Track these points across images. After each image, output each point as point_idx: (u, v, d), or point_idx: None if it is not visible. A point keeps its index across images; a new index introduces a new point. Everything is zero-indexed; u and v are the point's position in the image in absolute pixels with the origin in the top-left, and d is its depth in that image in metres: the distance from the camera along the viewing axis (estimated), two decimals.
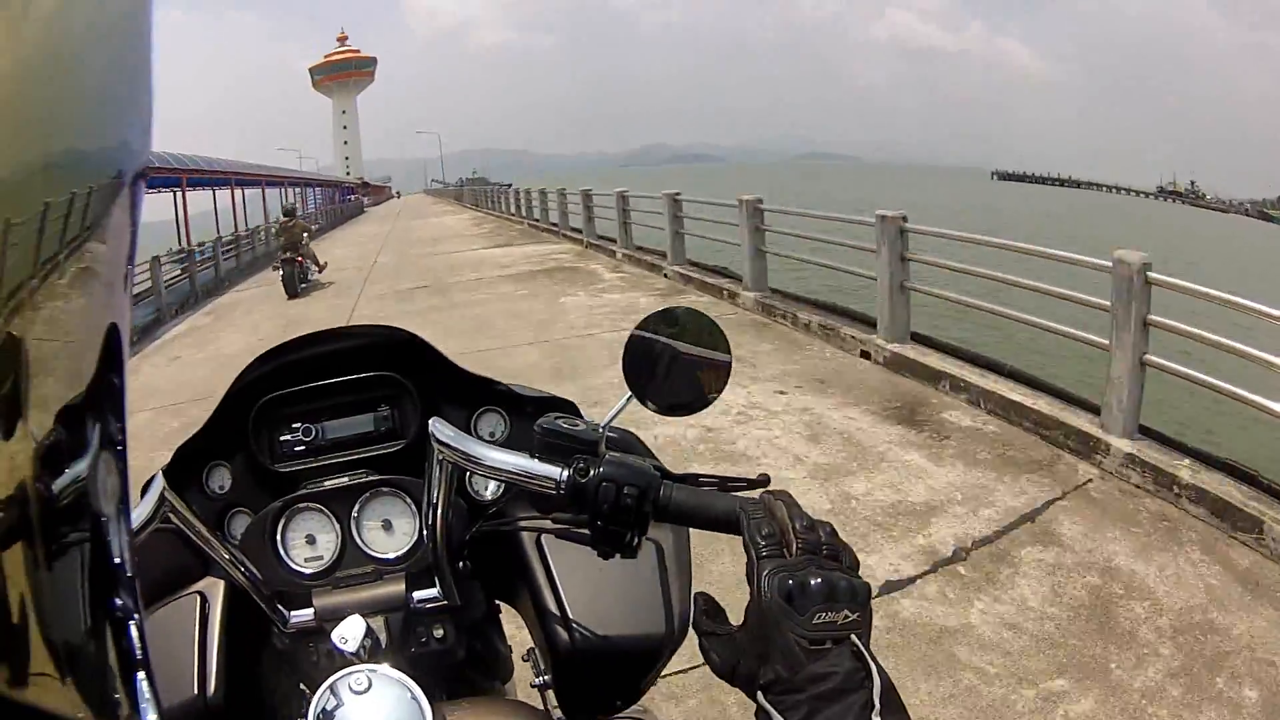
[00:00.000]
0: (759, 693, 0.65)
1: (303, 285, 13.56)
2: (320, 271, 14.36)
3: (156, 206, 25.16)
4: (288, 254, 13.42)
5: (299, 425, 1.13)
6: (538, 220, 20.84)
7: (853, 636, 0.63)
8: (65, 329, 0.42)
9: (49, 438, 0.39)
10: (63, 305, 0.41)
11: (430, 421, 0.93)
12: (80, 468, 0.42)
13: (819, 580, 0.64)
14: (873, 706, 0.60)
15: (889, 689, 0.61)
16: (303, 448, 1.14)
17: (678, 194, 10.91)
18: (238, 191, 30.26)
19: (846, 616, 0.64)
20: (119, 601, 0.44)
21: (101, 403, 0.44)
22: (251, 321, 11.70)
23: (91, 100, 0.43)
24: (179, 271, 15.97)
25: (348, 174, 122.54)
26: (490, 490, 1.13)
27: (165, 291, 14.12)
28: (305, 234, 14.22)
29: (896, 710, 0.60)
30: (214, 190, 28.81)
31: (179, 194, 23.82)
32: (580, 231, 15.72)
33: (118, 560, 0.45)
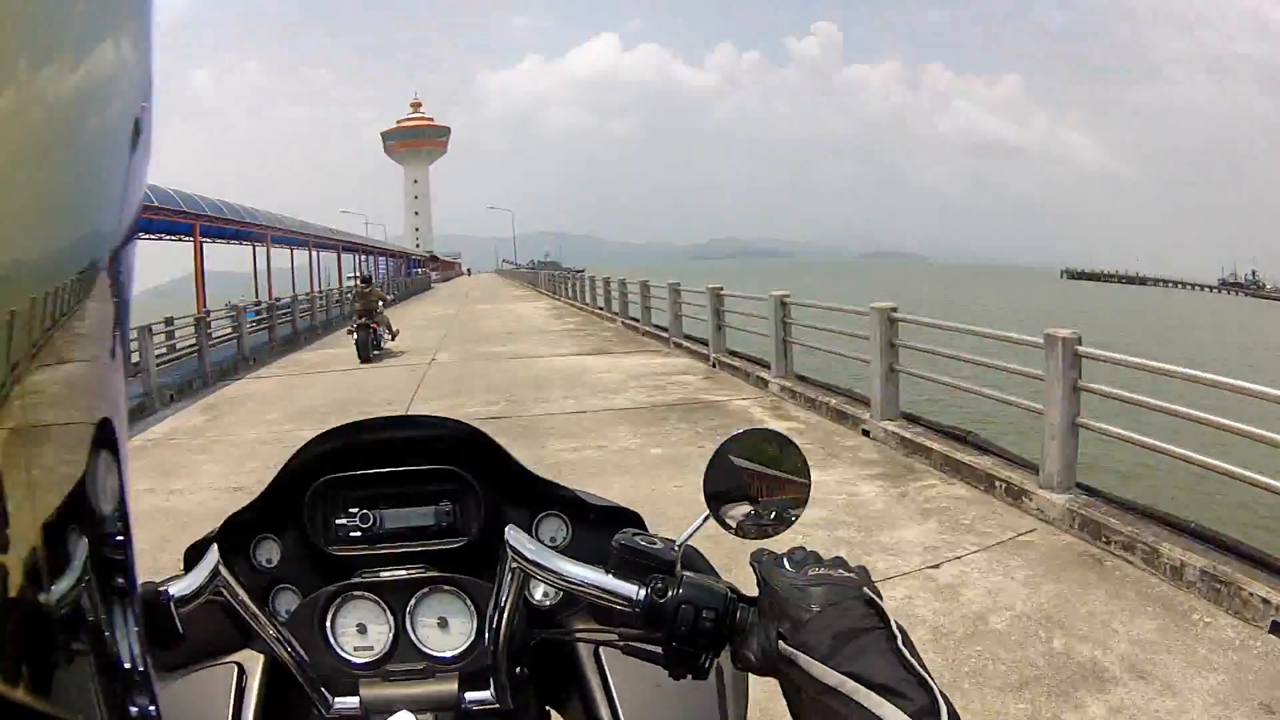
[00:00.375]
0: (779, 641, 0.69)
1: (375, 352, 14.04)
2: (392, 339, 14.96)
3: (236, 257, 28.92)
4: (363, 319, 14.00)
5: (356, 510, 1.12)
6: (635, 320, 16.68)
7: (864, 589, 0.70)
8: (50, 430, 0.42)
9: (41, 546, 0.40)
10: (45, 404, 0.41)
11: (507, 530, 0.95)
12: (75, 574, 0.42)
13: (805, 550, 0.77)
14: (895, 638, 0.66)
15: (905, 632, 0.67)
16: (358, 534, 1.13)
17: (892, 309, 7.39)
18: (312, 252, 33.66)
19: (844, 575, 0.72)
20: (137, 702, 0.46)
21: (95, 512, 0.45)
22: (327, 380, 12.11)
23: (61, 185, 0.43)
24: (256, 321, 16.80)
25: (417, 245, 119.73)
26: (551, 596, 1.09)
27: (245, 338, 15.27)
28: (380, 301, 14.73)
29: (914, 650, 0.65)
30: (292, 250, 31.45)
31: (257, 248, 26.27)
32: (700, 342, 12.31)
33: (128, 665, 0.46)
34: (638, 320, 16.48)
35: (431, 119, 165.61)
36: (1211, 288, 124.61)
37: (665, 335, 14.04)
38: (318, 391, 11.12)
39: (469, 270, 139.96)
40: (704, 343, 11.97)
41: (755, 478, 0.96)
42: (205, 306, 17.48)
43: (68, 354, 0.42)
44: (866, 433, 7.11)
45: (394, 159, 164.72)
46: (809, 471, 0.96)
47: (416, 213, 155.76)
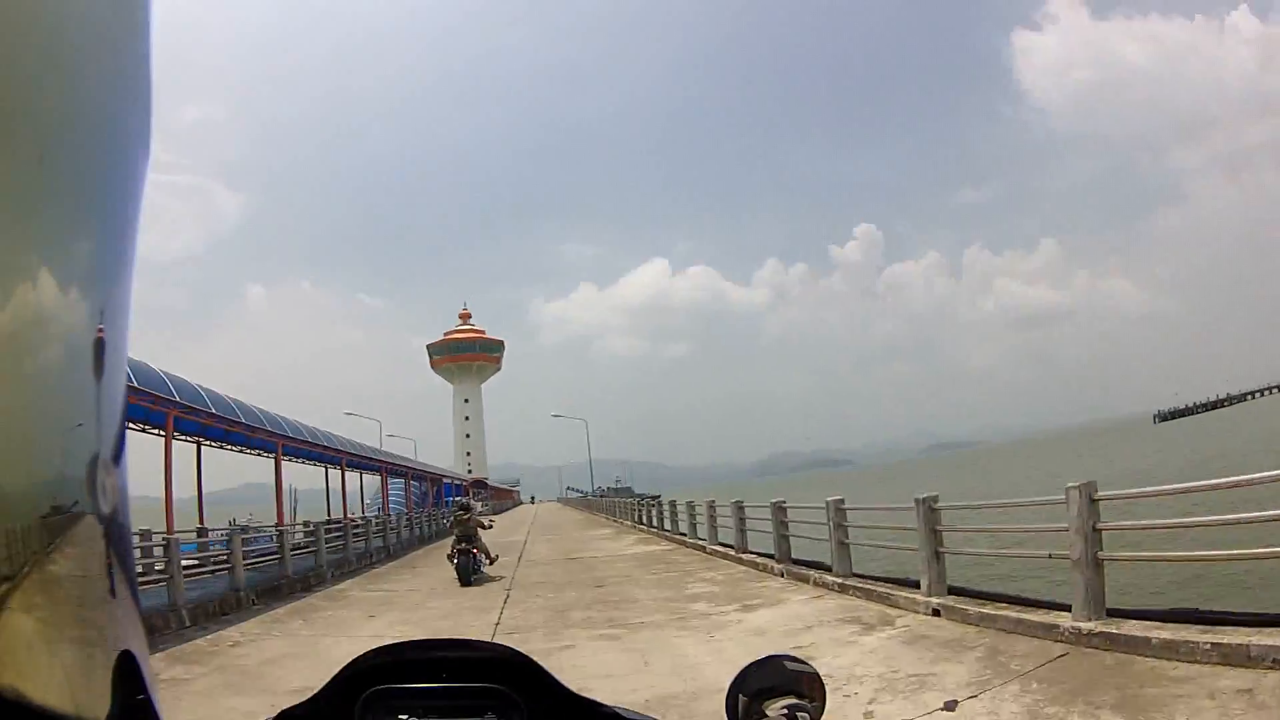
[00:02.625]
0: None
1: (474, 576, 15.10)
2: (491, 564, 15.98)
3: (311, 475, 33.09)
4: (463, 544, 15.20)
5: (405, 718, 1.19)
6: (802, 564, 12.51)
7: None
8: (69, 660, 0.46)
9: None
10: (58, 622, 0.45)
11: None
12: None
13: None
14: None
15: None
16: None
17: (933, 498, 8.96)
18: (372, 476, 40.55)
19: None
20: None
21: None
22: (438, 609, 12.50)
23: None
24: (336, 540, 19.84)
25: (469, 471, 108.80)
26: None
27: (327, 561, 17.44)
28: (479, 528, 15.85)
29: None
30: (362, 473, 38.59)
31: (332, 469, 31.72)
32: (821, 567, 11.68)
33: None
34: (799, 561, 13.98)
35: (482, 330, 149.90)
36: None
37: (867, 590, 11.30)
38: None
39: (533, 498, 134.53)
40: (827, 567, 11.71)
41: (772, 688, 1.14)
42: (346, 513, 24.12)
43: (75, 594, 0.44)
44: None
45: (442, 375, 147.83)
46: (823, 684, 1.15)
47: (468, 435, 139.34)
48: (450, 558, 15.57)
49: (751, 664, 1.18)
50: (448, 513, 39.26)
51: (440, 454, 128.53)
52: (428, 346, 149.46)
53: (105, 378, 0.50)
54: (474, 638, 1.47)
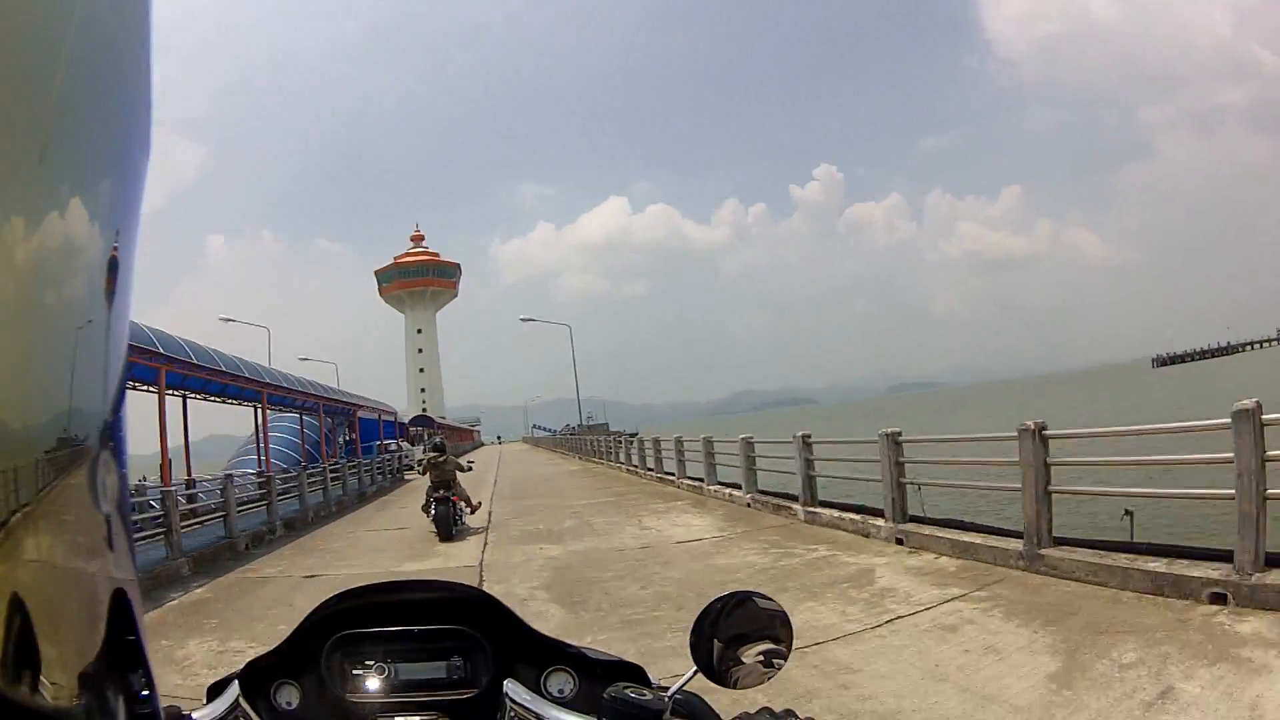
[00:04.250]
0: None
1: (455, 528, 13.15)
2: (472, 513, 14.06)
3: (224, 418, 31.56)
4: (441, 493, 13.28)
5: (373, 663, 1.26)
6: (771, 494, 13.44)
7: None
8: (66, 596, 0.49)
9: (75, 698, 0.46)
10: (58, 570, 0.47)
11: (505, 682, 1.14)
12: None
13: (785, 710, 1.05)
14: None
15: None
16: (375, 684, 1.27)
17: (897, 432, 9.98)
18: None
19: None
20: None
21: (118, 669, 0.53)
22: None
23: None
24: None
25: (423, 410, 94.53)
26: None
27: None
28: (457, 471, 14.01)
29: None
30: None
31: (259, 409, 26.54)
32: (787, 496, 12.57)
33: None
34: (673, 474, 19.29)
35: (436, 254, 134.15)
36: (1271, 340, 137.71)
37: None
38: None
39: (499, 437, 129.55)
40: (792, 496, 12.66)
41: (740, 633, 1.16)
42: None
43: (72, 529, 0.46)
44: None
45: (392, 304, 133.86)
46: (790, 624, 1.18)
47: (421, 369, 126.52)
48: (426, 508, 13.76)
49: (721, 602, 1.18)
50: (376, 461, 30.84)
51: (393, 394, 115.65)
52: (376, 273, 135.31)
53: (107, 363, 0.54)
54: (439, 579, 1.42)
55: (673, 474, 19.42)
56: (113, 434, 0.55)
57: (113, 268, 0.53)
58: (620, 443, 30.30)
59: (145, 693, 0.60)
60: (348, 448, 38.86)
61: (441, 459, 13.98)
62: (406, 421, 60.54)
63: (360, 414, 40.60)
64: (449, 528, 12.93)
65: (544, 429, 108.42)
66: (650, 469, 22.24)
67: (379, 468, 31.15)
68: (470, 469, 16.05)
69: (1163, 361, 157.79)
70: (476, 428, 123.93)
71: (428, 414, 69.65)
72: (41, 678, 0.46)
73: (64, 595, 0.50)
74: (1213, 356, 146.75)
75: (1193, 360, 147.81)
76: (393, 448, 40.00)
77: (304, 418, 35.52)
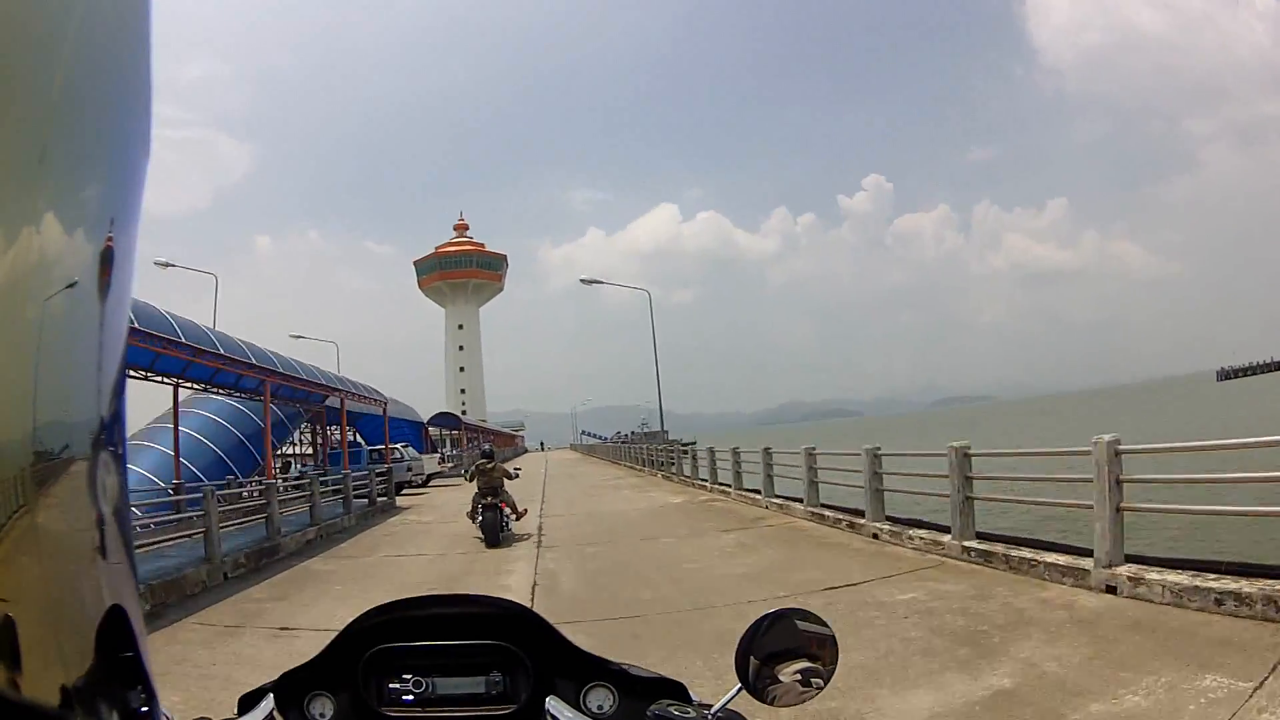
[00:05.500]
0: None
1: (502, 534, 13.50)
2: (518, 519, 14.28)
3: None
4: (488, 499, 13.60)
5: (410, 677, 1.25)
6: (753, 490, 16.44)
7: None
8: (62, 612, 0.48)
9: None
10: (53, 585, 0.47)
11: (548, 700, 1.13)
12: None
13: None
14: None
15: None
16: (411, 698, 1.27)
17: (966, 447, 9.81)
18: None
19: None
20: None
21: (118, 678, 0.53)
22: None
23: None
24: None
25: (463, 413, 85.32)
26: None
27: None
28: (505, 478, 14.22)
29: None
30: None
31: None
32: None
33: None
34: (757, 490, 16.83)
35: (481, 244, 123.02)
36: None
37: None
38: None
39: (542, 444, 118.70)
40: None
41: (785, 651, 1.14)
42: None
43: (72, 545, 0.44)
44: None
45: (432, 298, 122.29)
46: (836, 646, 1.15)
47: (462, 368, 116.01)
48: (472, 515, 14.04)
49: (764, 620, 1.18)
50: (356, 474, 20.81)
51: (432, 397, 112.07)
52: (415, 263, 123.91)
53: (103, 363, 0.54)
54: (478, 593, 1.35)
55: (756, 490, 17.12)
56: (110, 439, 0.54)
57: (112, 267, 0.53)
58: (687, 453, 26.78)
59: (145, 709, 0.60)
60: (334, 454, 28.52)
61: (490, 465, 14.08)
62: (425, 421, 49.22)
63: (350, 405, 27.94)
64: (495, 534, 13.26)
65: (594, 435, 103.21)
66: (723, 484, 19.91)
67: (361, 486, 20.95)
68: (517, 476, 15.15)
69: (1227, 375, 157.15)
70: (520, 433, 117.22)
71: (454, 413, 56.32)
72: (37, 687, 0.46)
73: (61, 604, 0.49)
74: (1275, 369, 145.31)
75: (1258, 373, 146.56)
76: (398, 456, 30.28)
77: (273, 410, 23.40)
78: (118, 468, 0.56)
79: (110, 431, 0.54)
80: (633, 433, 79.34)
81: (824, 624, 1.18)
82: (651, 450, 34.20)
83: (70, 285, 0.49)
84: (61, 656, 0.49)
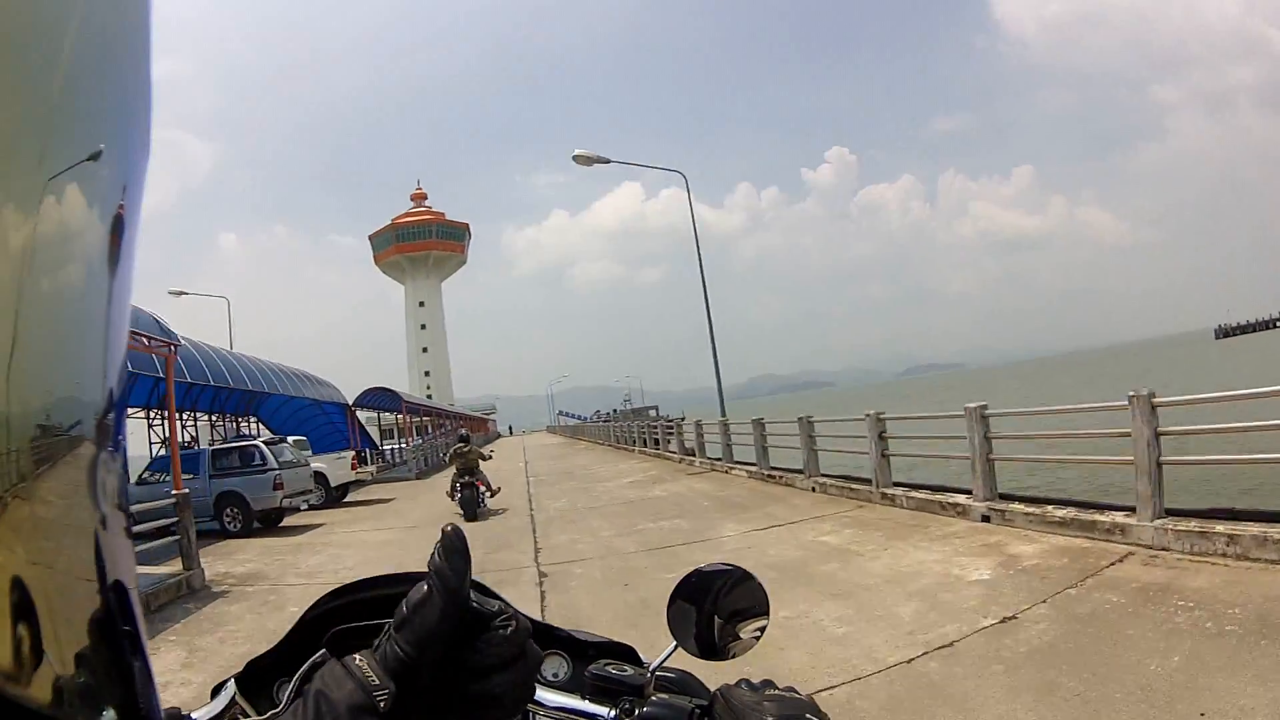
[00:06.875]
0: None
1: (478, 509, 15.73)
2: (492, 496, 16.46)
3: None
4: (466, 478, 15.87)
5: None
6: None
7: (815, 710, 0.91)
8: (61, 598, 0.49)
9: (70, 688, 0.46)
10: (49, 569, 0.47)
11: None
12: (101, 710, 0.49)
13: (763, 680, 0.98)
14: None
15: None
16: None
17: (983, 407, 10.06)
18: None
19: (796, 698, 0.93)
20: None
21: (116, 666, 0.53)
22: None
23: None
24: None
25: (428, 397, 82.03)
26: None
27: None
28: (480, 459, 16.46)
29: None
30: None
31: None
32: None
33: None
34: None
35: (442, 213, 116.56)
36: None
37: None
38: None
39: (511, 429, 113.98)
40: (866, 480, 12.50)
41: (717, 608, 1.15)
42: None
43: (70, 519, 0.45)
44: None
45: (389, 274, 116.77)
46: (768, 599, 1.17)
47: (425, 348, 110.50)
48: (451, 493, 16.09)
49: (719, 578, 1.18)
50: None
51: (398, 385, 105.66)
52: (370, 237, 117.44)
53: (106, 358, 0.54)
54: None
55: (778, 470, 16.08)
56: (111, 426, 0.55)
57: (113, 266, 0.53)
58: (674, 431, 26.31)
59: (144, 689, 0.59)
60: (163, 460, 18.18)
61: (466, 449, 16.29)
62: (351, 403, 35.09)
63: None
64: (473, 509, 15.56)
65: (572, 416, 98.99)
66: (741, 462, 18.56)
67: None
68: (491, 457, 17.76)
69: (1226, 333, 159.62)
70: (491, 416, 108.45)
71: (390, 389, 37.15)
72: (33, 675, 0.46)
73: (58, 591, 0.49)
74: (1274, 327, 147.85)
75: (1257, 330, 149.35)
76: (254, 455, 17.73)
77: None
78: (116, 455, 0.55)
79: (111, 416, 0.54)
80: (614, 411, 77.53)
81: (753, 577, 1.19)
82: (643, 429, 33.88)
83: (72, 284, 0.49)
84: (59, 641, 0.48)
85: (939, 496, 10.50)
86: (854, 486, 12.85)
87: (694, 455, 22.64)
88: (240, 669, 1.25)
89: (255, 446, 18.13)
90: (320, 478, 21.56)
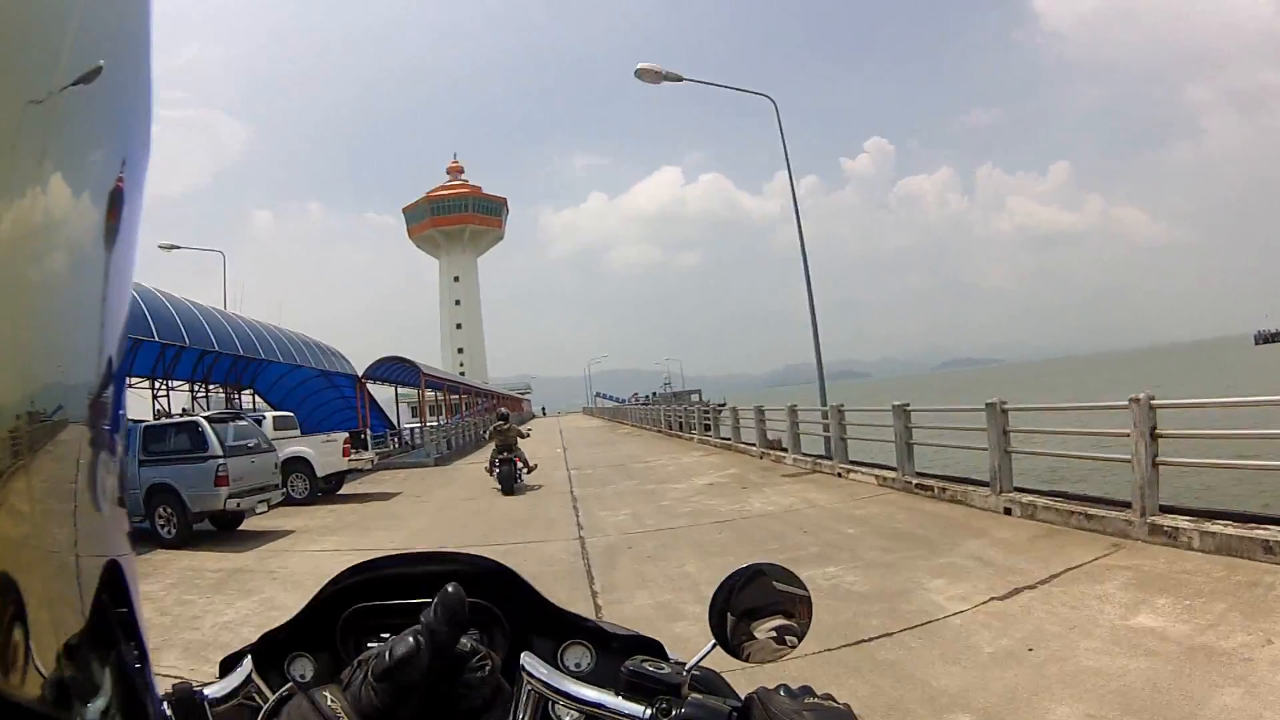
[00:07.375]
0: None
1: (515, 484, 16.35)
2: (529, 473, 17.17)
3: None
4: (505, 454, 16.62)
5: (388, 635, 1.20)
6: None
7: (852, 717, 0.90)
8: (56, 565, 0.49)
9: (54, 676, 0.46)
10: (48, 543, 0.47)
11: (523, 656, 1.11)
12: (100, 703, 0.50)
13: (801, 686, 0.96)
14: None
15: None
16: None
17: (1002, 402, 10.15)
18: None
19: (834, 705, 0.91)
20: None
21: (111, 642, 0.53)
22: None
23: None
24: None
25: (461, 374, 78.01)
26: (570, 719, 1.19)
27: None
28: (519, 437, 17.24)
29: None
30: None
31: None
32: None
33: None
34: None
35: (478, 187, 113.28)
36: None
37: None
38: None
39: (544, 410, 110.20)
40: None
41: (759, 608, 1.12)
42: None
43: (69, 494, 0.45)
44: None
45: (424, 249, 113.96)
46: (810, 600, 1.14)
47: (459, 325, 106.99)
48: (489, 468, 16.78)
49: (737, 577, 1.15)
50: None
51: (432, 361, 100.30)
52: (404, 210, 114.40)
53: (103, 342, 0.54)
54: (455, 550, 1.34)
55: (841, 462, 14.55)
56: (109, 405, 0.55)
57: (113, 266, 0.54)
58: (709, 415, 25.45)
59: (138, 665, 0.60)
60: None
61: (505, 426, 17.06)
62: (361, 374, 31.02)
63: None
64: (510, 484, 16.27)
65: (610, 398, 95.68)
66: (859, 463, 14.74)
67: None
68: (529, 435, 19.20)
69: (1266, 339, 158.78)
70: (526, 395, 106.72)
71: (407, 359, 31.91)
72: (30, 650, 0.46)
73: (55, 568, 0.50)
74: None
75: None
76: (186, 439, 12.89)
77: None
78: (113, 433, 0.56)
79: (108, 398, 0.55)
80: (653, 394, 73.87)
81: (800, 584, 1.15)
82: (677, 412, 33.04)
83: (71, 283, 0.50)
84: (55, 616, 0.49)
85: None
86: (1090, 511, 8.46)
87: (784, 450, 18.51)
88: (254, 642, 1.22)
89: (195, 423, 13.04)
90: (302, 465, 17.44)
